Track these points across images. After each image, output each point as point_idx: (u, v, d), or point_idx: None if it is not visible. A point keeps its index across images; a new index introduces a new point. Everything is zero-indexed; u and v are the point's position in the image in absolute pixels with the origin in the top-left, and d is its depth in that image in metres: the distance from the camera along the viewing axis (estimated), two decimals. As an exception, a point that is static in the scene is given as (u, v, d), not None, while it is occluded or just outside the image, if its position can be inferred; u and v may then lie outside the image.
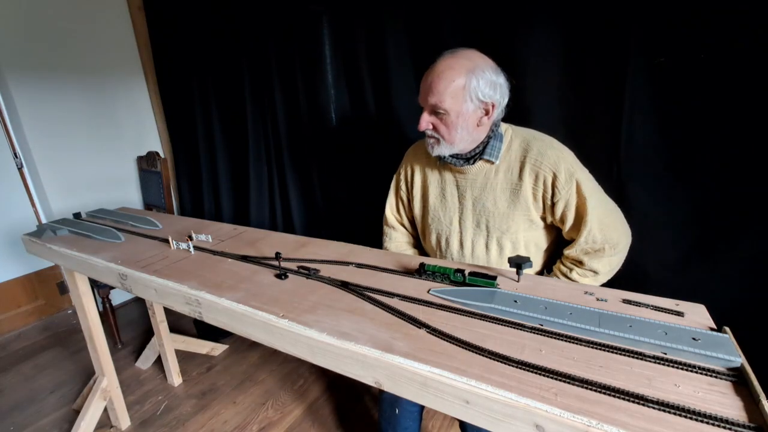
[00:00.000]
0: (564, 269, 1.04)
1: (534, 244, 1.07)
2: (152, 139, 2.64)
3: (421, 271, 0.88)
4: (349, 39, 1.53)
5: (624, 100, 1.06)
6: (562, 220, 1.01)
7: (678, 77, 0.99)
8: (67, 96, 2.24)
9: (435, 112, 0.97)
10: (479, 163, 1.03)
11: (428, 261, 0.95)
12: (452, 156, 1.04)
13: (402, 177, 1.23)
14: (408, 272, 0.91)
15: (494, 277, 0.82)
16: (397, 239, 1.30)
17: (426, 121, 0.99)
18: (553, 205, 0.99)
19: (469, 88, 0.93)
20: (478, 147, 1.02)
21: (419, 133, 1.42)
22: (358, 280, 0.88)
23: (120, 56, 2.42)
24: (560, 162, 0.96)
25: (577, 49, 1.12)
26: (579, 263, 1.02)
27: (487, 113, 0.97)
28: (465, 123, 0.96)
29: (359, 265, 0.95)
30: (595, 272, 1.01)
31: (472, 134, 0.99)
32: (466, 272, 0.83)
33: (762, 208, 0.95)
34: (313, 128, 1.76)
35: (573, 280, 1.02)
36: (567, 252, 1.04)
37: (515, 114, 1.09)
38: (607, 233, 0.98)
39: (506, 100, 0.99)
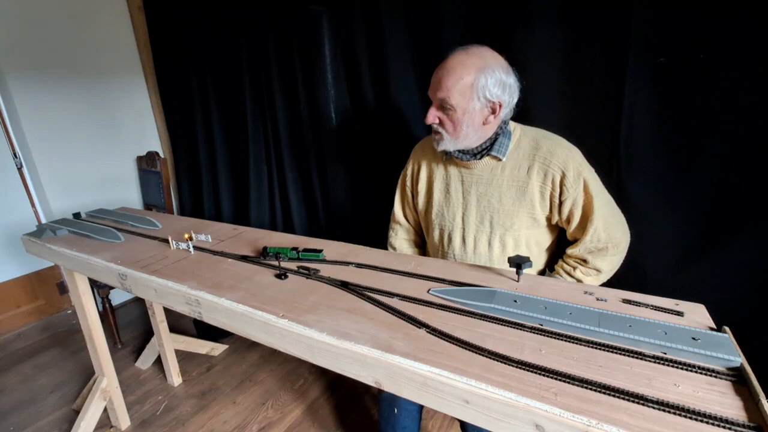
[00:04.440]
0: (567, 268, 1.05)
1: (536, 243, 1.07)
2: (152, 139, 2.64)
3: (264, 254, 1.01)
4: (349, 39, 1.53)
5: (624, 100, 1.06)
6: (569, 219, 1.01)
7: (678, 77, 0.99)
8: (67, 96, 2.24)
9: (442, 107, 0.98)
10: (486, 159, 1.04)
11: (270, 244, 1.05)
12: (459, 151, 1.05)
13: (408, 173, 1.24)
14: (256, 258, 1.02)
15: (320, 250, 0.98)
16: (402, 236, 1.32)
17: (433, 115, 1.01)
18: (560, 203, 1.00)
19: (477, 87, 0.93)
20: (485, 143, 1.03)
21: (419, 133, 1.44)
22: (358, 280, 0.88)
23: (120, 56, 2.42)
24: (569, 161, 0.97)
25: (577, 49, 1.12)
26: (583, 262, 1.03)
27: (494, 112, 0.98)
28: (471, 120, 0.97)
29: (359, 265, 0.95)
30: (599, 271, 1.02)
31: (478, 132, 1.00)
32: (300, 249, 0.99)
33: (762, 208, 0.95)
34: (313, 128, 1.76)
35: (576, 279, 1.03)
36: (570, 251, 1.04)
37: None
38: (611, 232, 0.99)
39: (515, 100, 1.00)
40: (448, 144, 1.02)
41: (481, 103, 0.95)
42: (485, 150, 1.03)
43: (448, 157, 1.10)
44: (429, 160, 1.17)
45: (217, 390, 1.79)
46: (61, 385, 1.88)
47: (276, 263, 0.97)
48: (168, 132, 2.55)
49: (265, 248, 1.02)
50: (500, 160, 1.03)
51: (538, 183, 1.00)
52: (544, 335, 0.65)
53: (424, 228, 1.25)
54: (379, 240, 1.37)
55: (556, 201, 1.00)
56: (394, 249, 1.32)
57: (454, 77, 0.94)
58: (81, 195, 2.36)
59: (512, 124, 1.05)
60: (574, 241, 1.04)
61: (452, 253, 1.14)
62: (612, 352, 0.60)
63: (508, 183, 1.03)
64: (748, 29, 0.89)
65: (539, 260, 1.11)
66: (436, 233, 1.17)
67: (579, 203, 0.98)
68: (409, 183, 1.24)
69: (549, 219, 1.05)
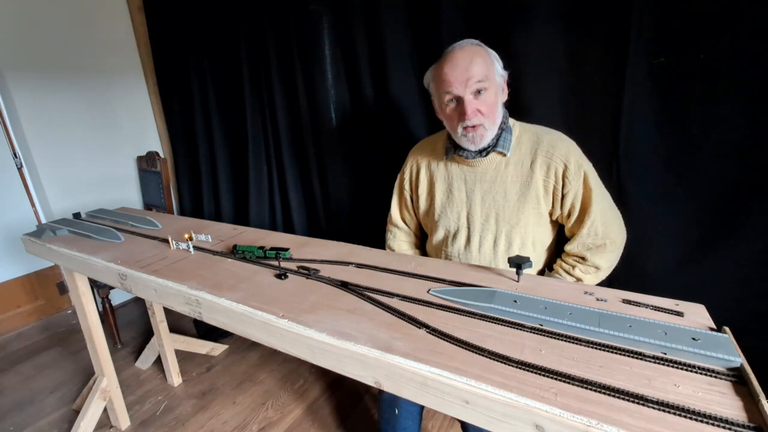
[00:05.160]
0: (566, 266, 1.05)
1: (540, 242, 1.08)
2: (152, 139, 2.64)
3: (234, 251, 1.05)
4: (349, 39, 1.53)
5: (624, 100, 1.06)
6: (569, 213, 1.02)
7: (678, 77, 0.99)
8: (67, 96, 2.24)
9: (477, 92, 0.97)
10: (491, 156, 1.04)
11: (240, 242, 1.08)
12: (464, 149, 1.04)
13: (406, 177, 1.23)
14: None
15: (287, 249, 1.01)
16: (400, 238, 1.32)
17: (472, 108, 0.97)
18: (563, 197, 1.00)
19: (495, 64, 0.99)
20: (492, 139, 1.03)
21: (419, 133, 1.44)
22: (358, 280, 0.88)
23: (120, 56, 2.42)
24: (570, 154, 0.98)
25: (577, 49, 1.12)
26: (582, 259, 1.03)
27: (503, 90, 1.02)
28: (500, 99, 1.01)
29: (359, 265, 0.95)
30: (597, 268, 1.02)
31: (501, 112, 1.02)
32: (267, 247, 1.02)
33: (762, 207, 0.95)
34: (313, 128, 1.76)
35: (575, 277, 1.03)
36: (568, 248, 1.04)
37: (515, 113, 1.09)
38: (608, 228, 1.00)
39: None
40: (489, 133, 1.00)
41: (500, 79, 1.00)
42: (490, 147, 1.03)
43: (449, 156, 1.10)
44: (428, 161, 1.17)
45: (217, 390, 1.79)
46: (61, 385, 1.88)
47: (276, 263, 0.97)
48: (168, 132, 2.55)
49: (235, 246, 1.06)
50: (505, 155, 1.03)
51: (542, 177, 1.00)
52: (544, 335, 0.65)
53: (427, 230, 1.25)
54: (379, 240, 1.37)
55: (559, 194, 1.01)
56: (389, 231, 1.33)
57: (478, 63, 0.96)
58: (81, 195, 2.36)
59: (511, 121, 1.06)
60: (572, 237, 1.04)
61: (456, 253, 1.14)
62: (612, 352, 0.60)
63: (513, 178, 1.03)
64: (748, 29, 0.89)
65: (541, 259, 1.11)
66: (440, 234, 1.17)
67: (579, 195, 0.99)
68: (407, 187, 1.23)
69: (551, 214, 1.05)
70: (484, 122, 0.98)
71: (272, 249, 1.01)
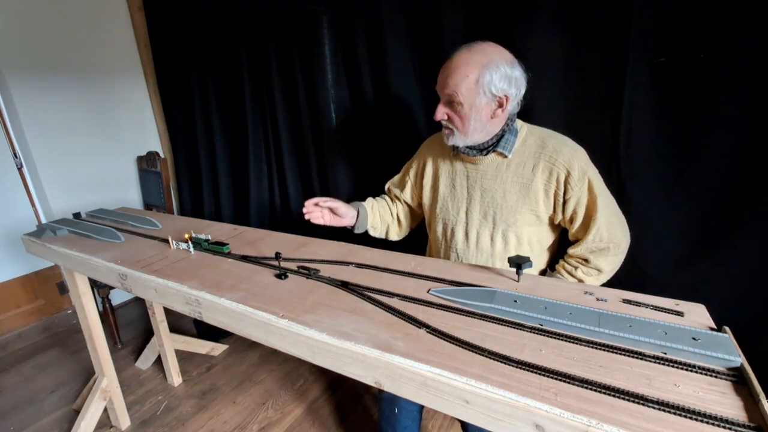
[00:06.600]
0: (569, 267, 1.05)
1: (537, 241, 1.08)
2: (152, 139, 2.64)
3: (191, 241, 1.13)
4: (349, 39, 1.53)
5: (624, 100, 1.06)
6: (572, 218, 1.02)
7: (678, 77, 0.99)
8: (67, 96, 2.24)
9: (450, 102, 1.00)
10: (492, 155, 1.05)
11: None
12: (466, 146, 1.06)
13: (414, 165, 1.26)
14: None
15: (226, 244, 1.08)
16: (381, 202, 1.36)
17: (441, 112, 1.03)
18: (564, 202, 1.00)
19: (482, 83, 0.95)
20: (492, 139, 1.03)
21: (420, 132, 1.44)
22: (358, 280, 0.88)
23: (120, 56, 2.42)
24: (574, 160, 0.98)
25: (577, 49, 1.12)
26: (584, 261, 1.03)
27: (501, 106, 0.99)
28: (478, 115, 0.99)
29: (359, 265, 0.95)
30: (600, 270, 1.02)
31: (486, 126, 1.01)
32: (210, 239, 1.11)
33: (762, 208, 0.95)
34: (313, 128, 1.76)
35: (577, 279, 1.03)
36: (572, 251, 1.04)
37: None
38: (613, 232, 1.00)
39: (523, 91, 1.00)
40: (458, 139, 1.03)
41: (488, 98, 0.97)
42: (491, 146, 1.04)
43: (455, 153, 1.11)
44: (435, 156, 1.19)
45: (217, 390, 1.79)
46: (61, 385, 1.88)
47: (276, 263, 0.97)
48: (168, 132, 2.55)
49: (190, 236, 1.14)
50: (506, 156, 1.03)
51: (543, 181, 1.00)
52: (544, 335, 0.65)
53: (427, 222, 1.26)
54: (379, 240, 1.37)
55: (560, 200, 1.00)
56: (385, 191, 1.38)
57: (459, 75, 0.96)
58: (81, 195, 2.36)
59: (519, 123, 1.06)
60: (576, 241, 1.04)
61: (455, 247, 1.14)
62: (612, 352, 0.60)
63: (513, 180, 1.03)
64: (749, 29, 0.89)
65: (541, 259, 1.11)
66: (440, 227, 1.18)
67: (583, 202, 0.99)
68: (411, 174, 1.26)
69: (552, 219, 1.05)
70: (451, 127, 1.03)
71: (214, 243, 1.10)
